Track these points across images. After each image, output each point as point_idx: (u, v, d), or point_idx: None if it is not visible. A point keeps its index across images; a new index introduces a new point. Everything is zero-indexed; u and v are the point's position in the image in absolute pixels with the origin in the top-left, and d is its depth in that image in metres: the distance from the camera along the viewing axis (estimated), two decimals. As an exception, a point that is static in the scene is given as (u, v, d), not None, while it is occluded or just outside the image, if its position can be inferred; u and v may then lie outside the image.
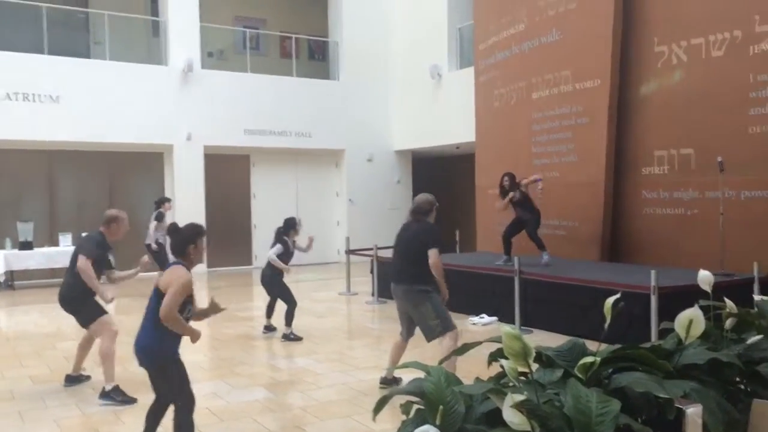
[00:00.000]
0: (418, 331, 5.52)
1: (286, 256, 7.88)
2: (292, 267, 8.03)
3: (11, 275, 12.48)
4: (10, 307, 10.76)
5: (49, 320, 9.18)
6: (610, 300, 2.55)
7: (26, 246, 12.30)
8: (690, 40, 8.56)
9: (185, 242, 3.90)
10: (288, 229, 7.92)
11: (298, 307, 7.82)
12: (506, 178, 9.07)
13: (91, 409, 5.19)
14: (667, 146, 8.89)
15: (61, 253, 12.25)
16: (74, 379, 5.83)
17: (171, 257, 4.03)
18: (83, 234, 5.61)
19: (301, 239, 8.20)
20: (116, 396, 5.34)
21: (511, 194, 8.99)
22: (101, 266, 5.58)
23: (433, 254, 5.22)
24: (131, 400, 5.33)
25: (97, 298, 5.59)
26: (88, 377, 5.97)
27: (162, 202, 11.48)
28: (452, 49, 15.50)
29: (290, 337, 7.65)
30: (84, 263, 5.37)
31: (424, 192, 5.73)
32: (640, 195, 9.25)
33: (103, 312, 5.58)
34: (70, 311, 5.60)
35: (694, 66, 8.55)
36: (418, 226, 5.43)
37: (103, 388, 5.40)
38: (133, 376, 6.01)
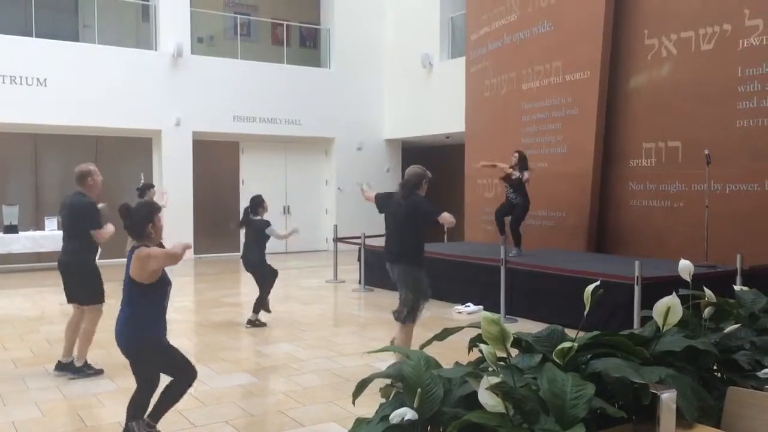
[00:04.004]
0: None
1: (261, 235, 7.76)
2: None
3: (-5, 259, 12.41)
4: (-5, 290, 10.68)
5: (32, 304, 9.13)
6: (590, 288, 2.56)
7: (11, 230, 12.19)
8: (680, 33, 8.58)
9: (143, 223, 3.80)
10: (256, 207, 7.75)
11: (285, 294, 7.81)
12: (516, 155, 8.97)
13: (73, 392, 5.17)
14: (656, 139, 8.93)
15: (46, 237, 12.17)
16: (64, 366, 5.75)
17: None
18: (70, 201, 5.57)
19: (281, 225, 8.08)
20: (88, 370, 5.61)
21: (508, 168, 8.96)
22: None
23: (441, 218, 5.25)
24: (99, 372, 5.67)
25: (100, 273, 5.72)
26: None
27: (146, 188, 11.02)
28: (444, 39, 15.47)
29: (256, 324, 7.65)
30: (100, 234, 5.51)
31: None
32: (627, 187, 9.29)
33: (103, 300, 5.71)
34: (73, 281, 5.62)
35: (684, 59, 8.58)
36: (408, 204, 5.38)
37: (73, 364, 5.61)
38: (115, 360, 5.99)
